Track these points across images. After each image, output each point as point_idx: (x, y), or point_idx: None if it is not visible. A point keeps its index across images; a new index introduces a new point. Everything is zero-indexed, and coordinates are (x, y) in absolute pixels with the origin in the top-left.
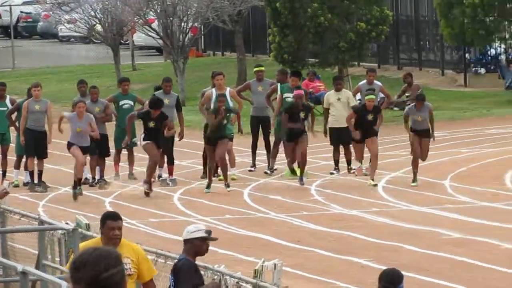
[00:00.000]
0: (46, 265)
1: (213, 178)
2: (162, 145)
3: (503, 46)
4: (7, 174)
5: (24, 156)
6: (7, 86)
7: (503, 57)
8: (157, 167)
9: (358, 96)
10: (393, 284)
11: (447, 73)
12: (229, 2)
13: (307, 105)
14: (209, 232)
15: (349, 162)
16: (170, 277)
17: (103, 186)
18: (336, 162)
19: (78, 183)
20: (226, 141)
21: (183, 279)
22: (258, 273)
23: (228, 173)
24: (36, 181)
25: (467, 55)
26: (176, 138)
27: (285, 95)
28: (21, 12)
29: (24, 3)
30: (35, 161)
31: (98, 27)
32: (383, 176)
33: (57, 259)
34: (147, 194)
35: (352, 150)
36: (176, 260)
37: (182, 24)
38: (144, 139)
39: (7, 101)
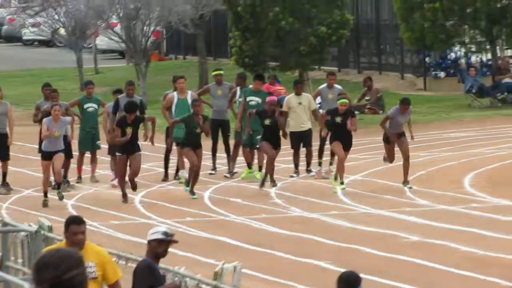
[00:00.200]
0: (9, 267)
1: (174, 181)
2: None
3: (463, 50)
4: None
5: None
6: None
7: (462, 61)
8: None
9: (319, 99)
10: (351, 286)
11: (406, 77)
12: (191, 6)
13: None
14: (169, 234)
15: (309, 165)
16: None
17: (66, 189)
18: (296, 166)
19: (58, 186)
20: (201, 151)
21: (136, 280)
22: (218, 275)
23: (187, 175)
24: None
25: (427, 59)
26: (148, 142)
27: (248, 98)
28: None
29: None
30: None
31: (62, 31)
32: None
33: (20, 260)
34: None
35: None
36: None
37: (145, 28)
38: (119, 151)
39: None
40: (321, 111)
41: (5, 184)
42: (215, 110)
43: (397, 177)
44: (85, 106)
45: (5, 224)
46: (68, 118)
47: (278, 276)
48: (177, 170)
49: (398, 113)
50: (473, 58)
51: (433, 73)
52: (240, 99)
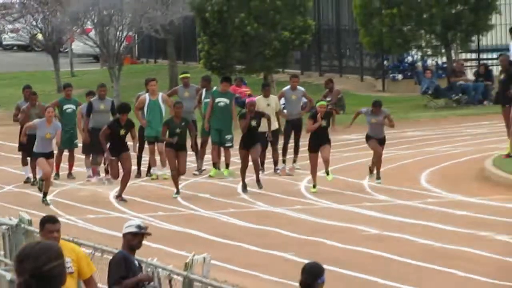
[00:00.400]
0: None
1: (146, 178)
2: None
3: (419, 53)
4: None
5: None
6: None
7: (419, 64)
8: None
9: (282, 100)
10: (314, 276)
11: (366, 79)
12: (162, 13)
13: (259, 112)
14: (143, 227)
15: (275, 163)
16: None
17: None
18: (262, 163)
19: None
20: (185, 154)
21: (111, 270)
22: (188, 266)
23: (159, 172)
24: None
25: (385, 62)
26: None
27: (217, 99)
28: None
29: None
30: None
31: (39, 36)
32: (306, 176)
33: (1, 252)
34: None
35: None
36: None
37: (118, 33)
38: (111, 153)
39: None
40: (285, 111)
41: None
42: (183, 111)
43: (357, 174)
44: (64, 107)
45: None
46: (59, 124)
47: (245, 267)
48: (149, 168)
49: (369, 112)
50: (429, 61)
51: (391, 75)
52: (206, 100)
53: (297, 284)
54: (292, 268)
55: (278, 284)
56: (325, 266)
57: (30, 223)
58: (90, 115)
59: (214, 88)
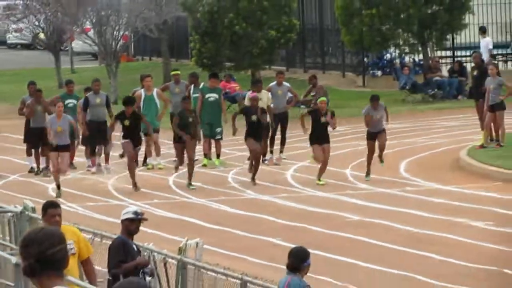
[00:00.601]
0: None
1: (142, 167)
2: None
3: (397, 51)
4: None
5: None
6: None
7: (397, 61)
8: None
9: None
10: (300, 260)
11: (347, 75)
12: (156, 13)
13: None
14: (140, 213)
15: (264, 154)
16: None
17: (46, 174)
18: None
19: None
20: (195, 141)
21: (110, 255)
22: (182, 250)
23: (155, 162)
24: None
25: (365, 59)
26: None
27: (207, 95)
28: None
29: None
30: None
31: (42, 35)
32: (292, 165)
33: (7, 238)
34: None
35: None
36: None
37: (115, 32)
38: (123, 137)
39: None
40: (272, 105)
41: None
42: (174, 105)
43: (340, 164)
44: (66, 102)
45: None
46: (69, 116)
47: (235, 251)
48: (145, 158)
49: (371, 109)
50: (407, 59)
51: (371, 71)
52: (195, 95)
53: (284, 267)
54: (280, 252)
55: (267, 267)
56: (310, 250)
57: (34, 210)
58: (87, 109)
59: (202, 84)
